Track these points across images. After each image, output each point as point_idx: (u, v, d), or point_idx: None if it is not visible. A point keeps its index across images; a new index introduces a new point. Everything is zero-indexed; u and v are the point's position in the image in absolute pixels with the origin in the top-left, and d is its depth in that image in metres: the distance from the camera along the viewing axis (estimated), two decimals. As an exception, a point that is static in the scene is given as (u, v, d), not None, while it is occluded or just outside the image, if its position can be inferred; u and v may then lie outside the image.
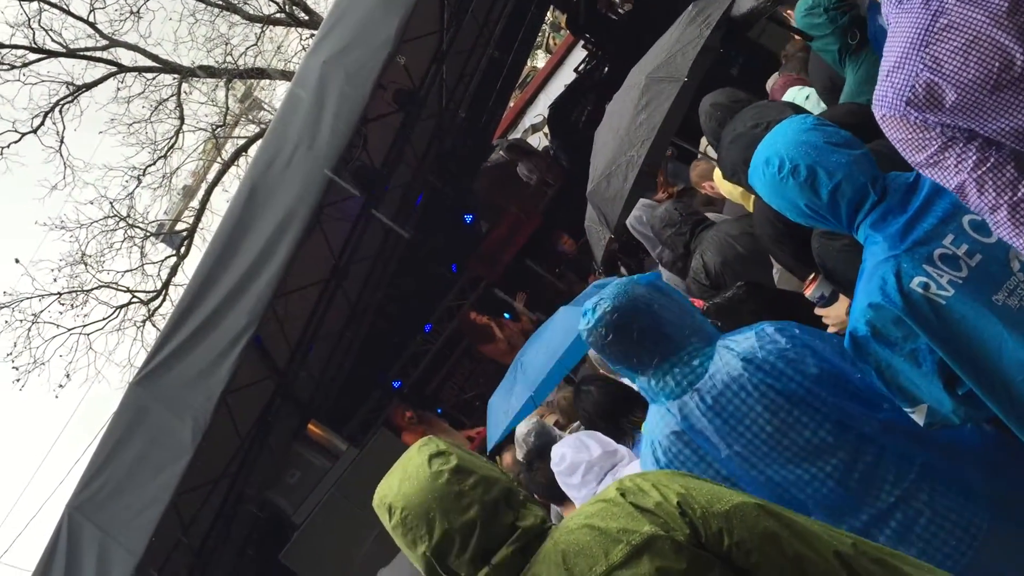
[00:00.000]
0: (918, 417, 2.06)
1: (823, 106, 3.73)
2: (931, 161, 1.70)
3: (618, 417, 3.85)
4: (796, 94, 3.90)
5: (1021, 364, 1.89)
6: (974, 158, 1.66)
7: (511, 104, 13.70)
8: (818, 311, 2.77)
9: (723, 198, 4.43)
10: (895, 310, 1.95)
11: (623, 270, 7.90)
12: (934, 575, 1.61)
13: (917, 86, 1.63)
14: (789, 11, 4.51)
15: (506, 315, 11.28)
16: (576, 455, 3.60)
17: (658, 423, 2.27)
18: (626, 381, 4.40)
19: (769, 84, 5.57)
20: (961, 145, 1.66)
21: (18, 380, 16.01)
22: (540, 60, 18.56)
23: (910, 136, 1.69)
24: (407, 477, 1.72)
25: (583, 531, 1.63)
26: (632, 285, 2.33)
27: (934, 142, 1.68)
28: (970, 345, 1.91)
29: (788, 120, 2.20)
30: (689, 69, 4.60)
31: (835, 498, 2.11)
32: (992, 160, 1.65)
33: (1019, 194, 1.65)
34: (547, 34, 18.78)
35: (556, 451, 3.71)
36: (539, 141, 13.14)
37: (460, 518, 1.65)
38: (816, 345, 2.25)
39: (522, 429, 5.36)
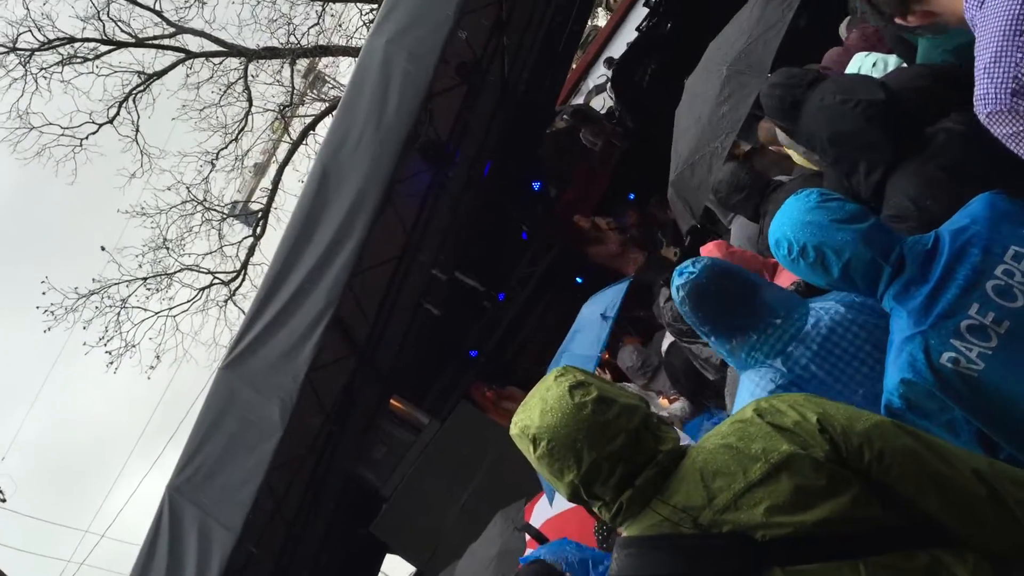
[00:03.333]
0: None
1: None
2: None
3: (704, 385, 3.77)
4: (864, 61, 3.73)
5: None
6: None
7: (574, 66, 13.55)
8: None
9: (790, 159, 4.34)
10: (927, 386, 1.90)
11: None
12: None
13: (1020, 75, 1.55)
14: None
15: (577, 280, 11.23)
16: None
17: (758, 383, 2.26)
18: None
19: (842, 29, 5.37)
20: None
21: (111, 363, 16.70)
22: (601, 19, 18.29)
23: (1022, 129, 1.60)
24: (548, 409, 1.72)
25: (721, 450, 1.66)
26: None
27: None
28: (1008, 414, 1.85)
29: (793, 198, 2.19)
30: (772, 63, 4.59)
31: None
32: None
33: None
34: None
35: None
36: (603, 102, 12.98)
37: (607, 447, 1.67)
38: None
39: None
